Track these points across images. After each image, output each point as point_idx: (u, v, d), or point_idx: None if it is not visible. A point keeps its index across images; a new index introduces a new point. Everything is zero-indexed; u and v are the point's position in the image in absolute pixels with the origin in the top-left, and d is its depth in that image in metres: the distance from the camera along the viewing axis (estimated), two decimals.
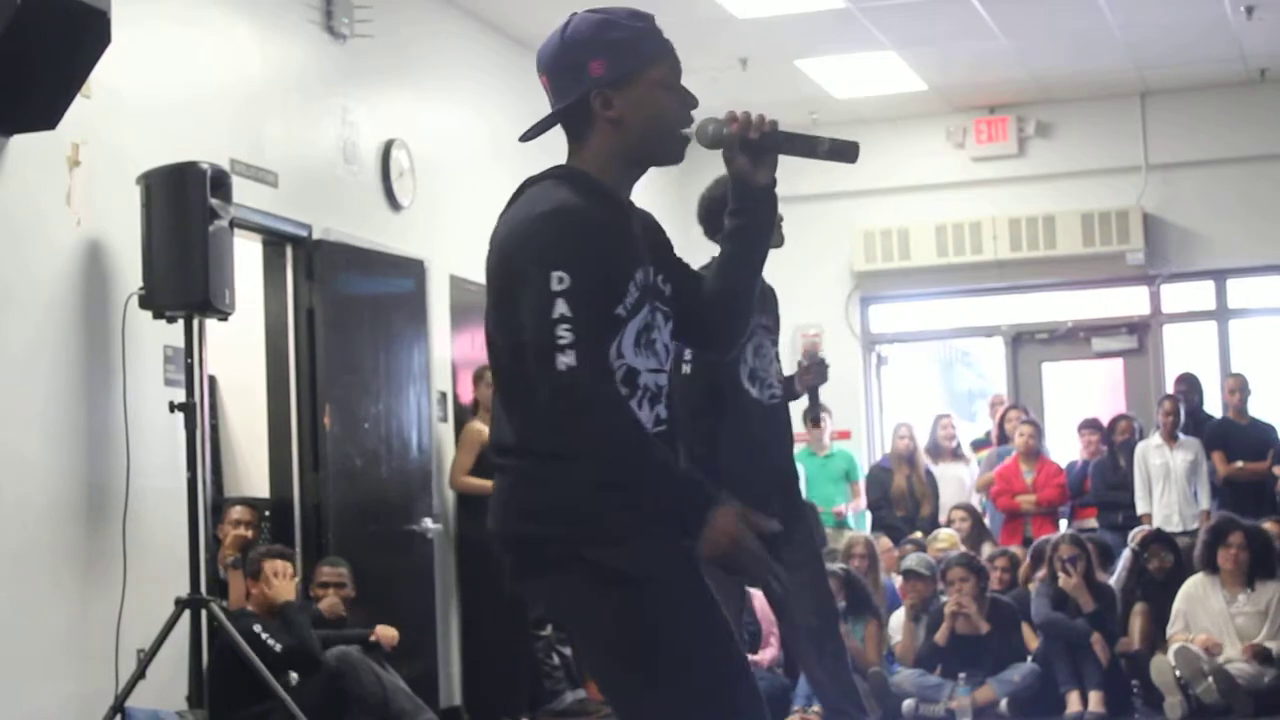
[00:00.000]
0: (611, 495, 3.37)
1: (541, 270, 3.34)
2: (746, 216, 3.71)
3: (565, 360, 3.29)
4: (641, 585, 3.38)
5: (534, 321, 3.33)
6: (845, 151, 3.65)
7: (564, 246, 3.37)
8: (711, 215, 7.22)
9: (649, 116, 3.58)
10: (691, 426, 6.61)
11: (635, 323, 3.48)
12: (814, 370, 7.25)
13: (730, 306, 3.78)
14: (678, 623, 3.40)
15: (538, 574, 3.51)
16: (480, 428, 10.38)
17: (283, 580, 8.28)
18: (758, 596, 11.22)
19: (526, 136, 3.79)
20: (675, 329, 3.65)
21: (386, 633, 8.42)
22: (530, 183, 3.62)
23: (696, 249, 5.59)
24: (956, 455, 13.90)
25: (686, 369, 6.74)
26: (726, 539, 3.30)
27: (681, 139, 3.64)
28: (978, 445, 14.36)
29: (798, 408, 7.72)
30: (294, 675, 8.14)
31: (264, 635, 8.03)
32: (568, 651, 10.84)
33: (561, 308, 3.31)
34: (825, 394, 14.19)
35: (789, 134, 3.63)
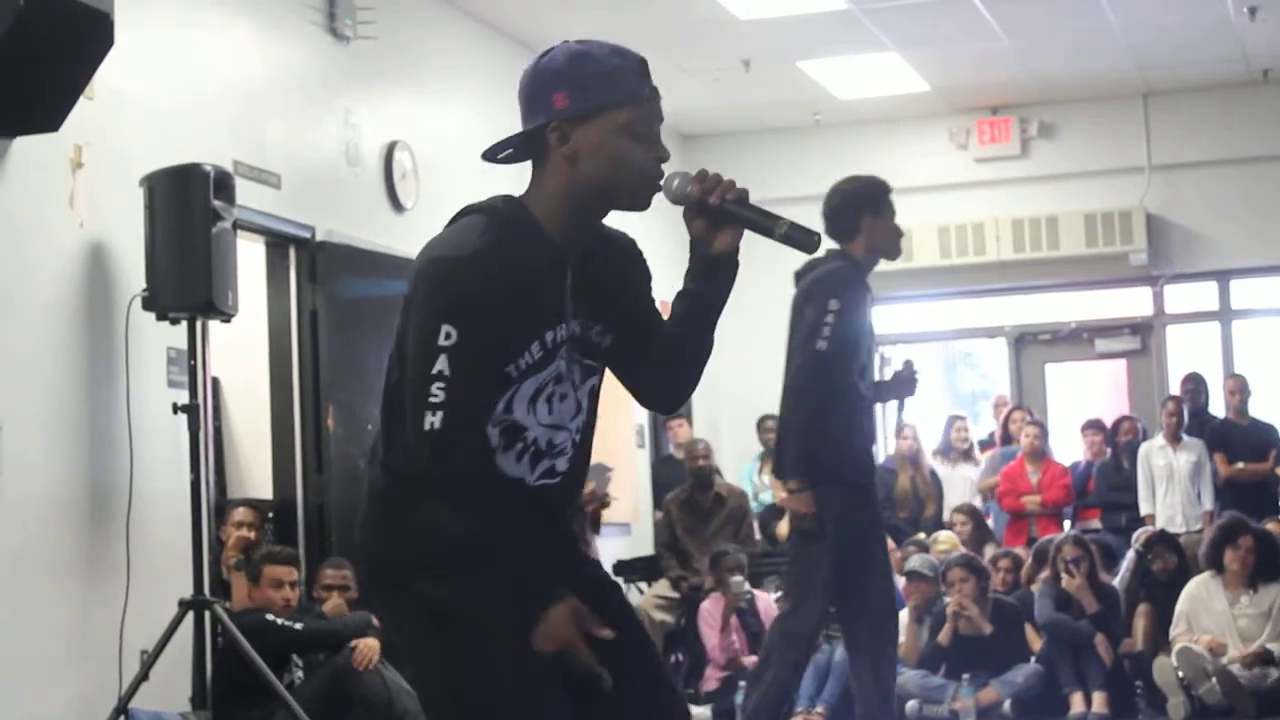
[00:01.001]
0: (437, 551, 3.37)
1: (433, 319, 3.27)
2: (700, 282, 3.60)
3: (431, 420, 3.25)
4: (464, 632, 3.35)
5: (414, 368, 3.29)
6: (803, 240, 3.47)
7: (461, 301, 3.27)
8: (831, 219, 7.13)
9: (605, 158, 3.43)
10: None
11: (533, 381, 3.39)
12: (907, 382, 7.22)
13: (673, 366, 3.68)
14: (489, 677, 3.36)
15: (378, 591, 3.53)
16: None
17: (282, 590, 8.27)
18: (762, 598, 11.22)
19: (487, 156, 3.64)
20: (623, 379, 3.63)
21: (368, 646, 8.36)
22: (466, 212, 3.52)
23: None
24: (968, 456, 13.90)
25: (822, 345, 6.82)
26: (555, 641, 3.30)
27: (645, 185, 3.49)
28: (982, 446, 14.36)
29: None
30: (299, 674, 8.15)
31: (281, 620, 8.06)
32: None
33: (441, 364, 3.25)
34: None
35: (749, 207, 3.50)
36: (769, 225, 3.48)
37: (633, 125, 3.44)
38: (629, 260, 3.66)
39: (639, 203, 3.51)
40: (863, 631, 7.06)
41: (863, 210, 7.12)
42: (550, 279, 3.42)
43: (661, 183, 3.52)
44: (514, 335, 3.35)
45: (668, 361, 3.64)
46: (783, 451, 7.15)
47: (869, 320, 7.18)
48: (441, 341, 3.25)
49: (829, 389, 6.91)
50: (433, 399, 3.25)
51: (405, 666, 3.64)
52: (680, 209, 3.57)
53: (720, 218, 3.52)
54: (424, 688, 3.54)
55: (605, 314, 3.53)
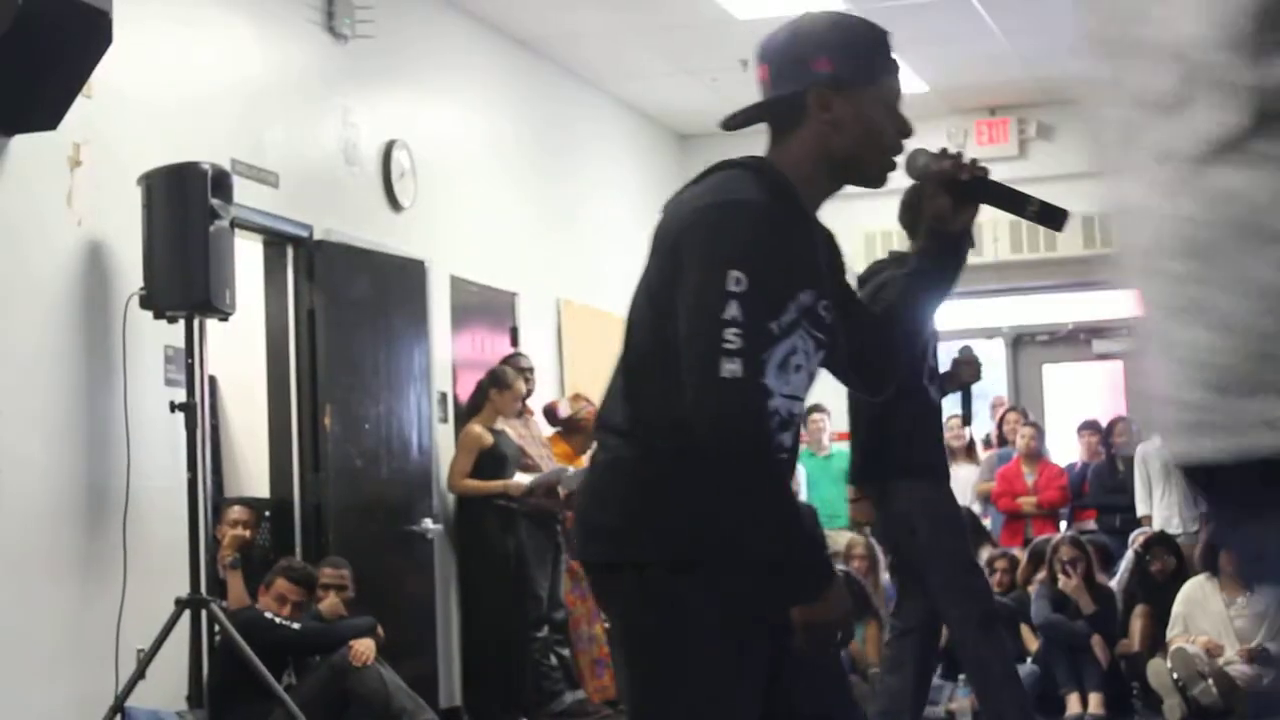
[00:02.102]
0: (715, 520, 3.25)
1: (720, 265, 3.18)
2: (932, 260, 3.59)
3: (730, 367, 3.13)
4: (696, 618, 3.28)
5: (702, 317, 3.18)
6: (1053, 217, 3.48)
7: (749, 247, 3.20)
8: (901, 217, 7.23)
9: (864, 130, 3.42)
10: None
11: (784, 345, 3.31)
12: (970, 368, 7.31)
13: (894, 347, 3.65)
14: (711, 670, 3.30)
15: (604, 569, 3.41)
16: (479, 431, 10.39)
17: (285, 607, 8.28)
18: None
19: (729, 125, 3.58)
20: (826, 361, 3.51)
21: (362, 646, 8.36)
22: (723, 166, 3.45)
23: None
24: (970, 455, 13.89)
25: None
26: (828, 620, 3.23)
27: (888, 163, 3.47)
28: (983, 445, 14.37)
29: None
30: (293, 678, 8.16)
31: (279, 619, 8.07)
32: (566, 653, 10.85)
33: (734, 310, 3.14)
34: (825, 396, 14.25)
35: (998, 184, 3.51)
36: (1021, 202, 3.49)
37: (888, 99, 3.45)
38: (833, 244, 3.63)
39: (879, 179, 3.50)
40: (965, 627, 7.21)
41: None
42: (805, 241, 3.40)
43: (900, 159, 3.51)
44: (782, 289, 3.29)
45: (884, 343, 3.61)
46: (880, 452, 7.25)
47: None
48: (732, 287, 3.15)
49: (901, 393, 7.03)
50: (728, 345, 3.13)
51: (617, 659, 3.45)
52: None
53: (970, 194, 3.53)
54: (632, 675, 3.41)
55: (829, 290, 3.48)
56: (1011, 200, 3.50)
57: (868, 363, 3.63)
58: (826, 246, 3.54)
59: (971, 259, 7.97)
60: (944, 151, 3.54)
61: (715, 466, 3.18)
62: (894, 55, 3.49)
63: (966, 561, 7.48)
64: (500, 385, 10.51)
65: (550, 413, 11.46)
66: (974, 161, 3.54)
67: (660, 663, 3.31)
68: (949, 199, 3.53)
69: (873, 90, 3.43)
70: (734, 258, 3.18)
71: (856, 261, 15.38)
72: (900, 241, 14.79)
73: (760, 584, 3.27)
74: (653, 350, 3.32)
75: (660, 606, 3.29)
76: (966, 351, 7.29)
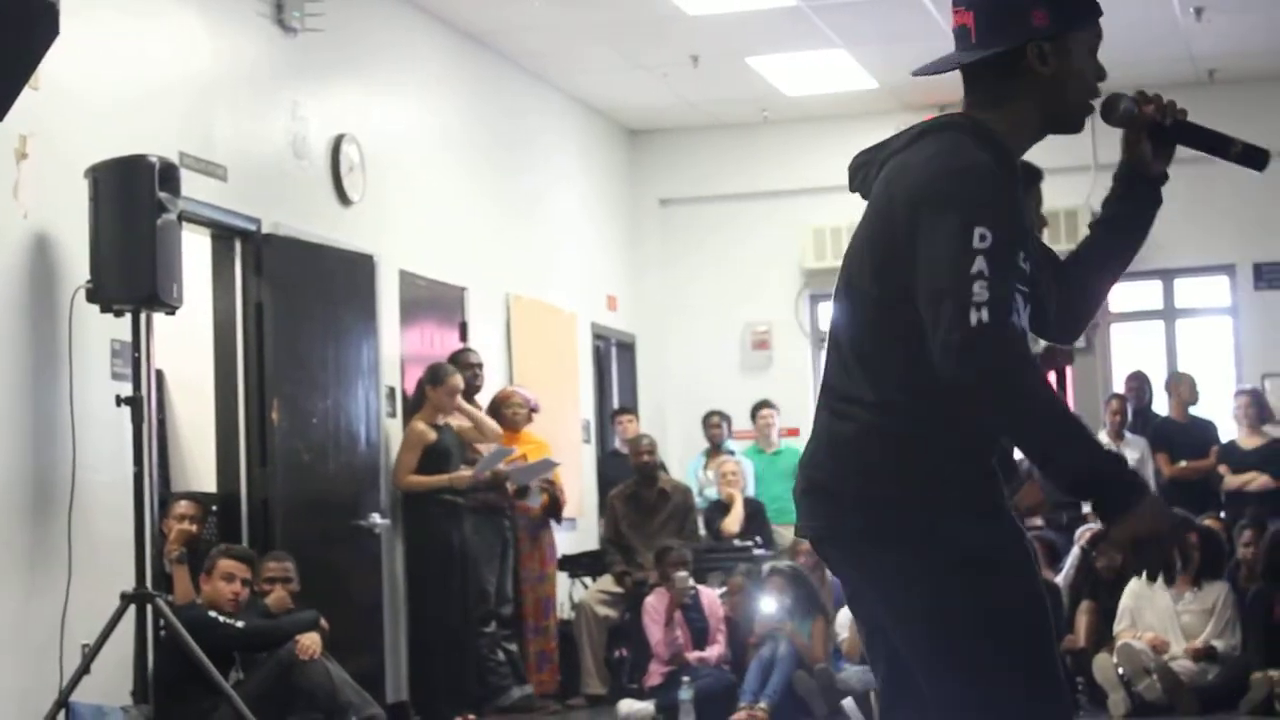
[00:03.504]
0: (976, 467, 3.28)
1: (964, 223, 3.16)
2: (1131, 205, 3.62)
3: (978, 315, 3.10)
4: (996, 568, 3.26)
5: (949, 273, 3.15)
6: (1256, 158, 3.52)
7: (987, 204, 3.19)
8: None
9: (1075, 79, 3.45)
10: None
11: (1026, 309, 3.30)
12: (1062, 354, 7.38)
13: (1089, 294, 3.67)
14: (1025, 612, 3.28)
15: (876, 540, 3.31)
16: (423, 428, 10.38)
17: (233, 584, 8.27)
18: (706, 593, 11.24)
19: (923, 71, 3.57)
20: (1032, 315, 3.45)
21: (309, 640, 8.35)
22: (931, 129, 3.41)
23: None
24: None
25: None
26: (1151, 530, 3.15)
27: (1088, 108, 3.50)
28: None
29: None
30: (240, 673, 8.13)
31: (223, 618, 8.06)
32: (513, 648, 10.84)
33: (980, 264, 3.12)
34: (775, 392, 14.27)
35: (1200, 127, 3.54)
36: (1225, 143, 3.54)
37: (1093, 44, 3.49)
38: (1035, 195, 3.67)
39: (1080, 125, 3.54)
40: None
41: None
42: (1020, 201, 3.38)
43: (1099, 104, 3.54)
44: (1017, 245, 3.26)
45: (1080, 290, 3.63)
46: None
47: None
48: (977, 244, 3.14)
49: None
50: (977, 297, 3.11)
51: (903, 629, 3.37)
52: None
53: (1174, 137, 3.56)
54: (940, 639, 3.31)
55: (1035, 244, 3.50)
56: (1216, 142, 3.55)
57: (1067, 311, 3.65)
58: (1034, 209, 3.57)
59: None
60: (1143, 95, 3.57)
61: (997, 412, 3.18)
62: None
63: None
64: (435, 381, 10.50)
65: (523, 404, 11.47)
66: (1173, 104, 3.58)
67: (980, 624, 3.26)
68: (1150, 143, 3.59)
69: (1083, 36, 3.47)
70: (977, 216, 3.17)
71: (805, 257, 15.45)
72: (849, 238, 14.82)
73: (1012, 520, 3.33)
74: (881, 317, 3.31)
75: (963, 567, 3.26)
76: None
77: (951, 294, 3.14)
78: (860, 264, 3.36)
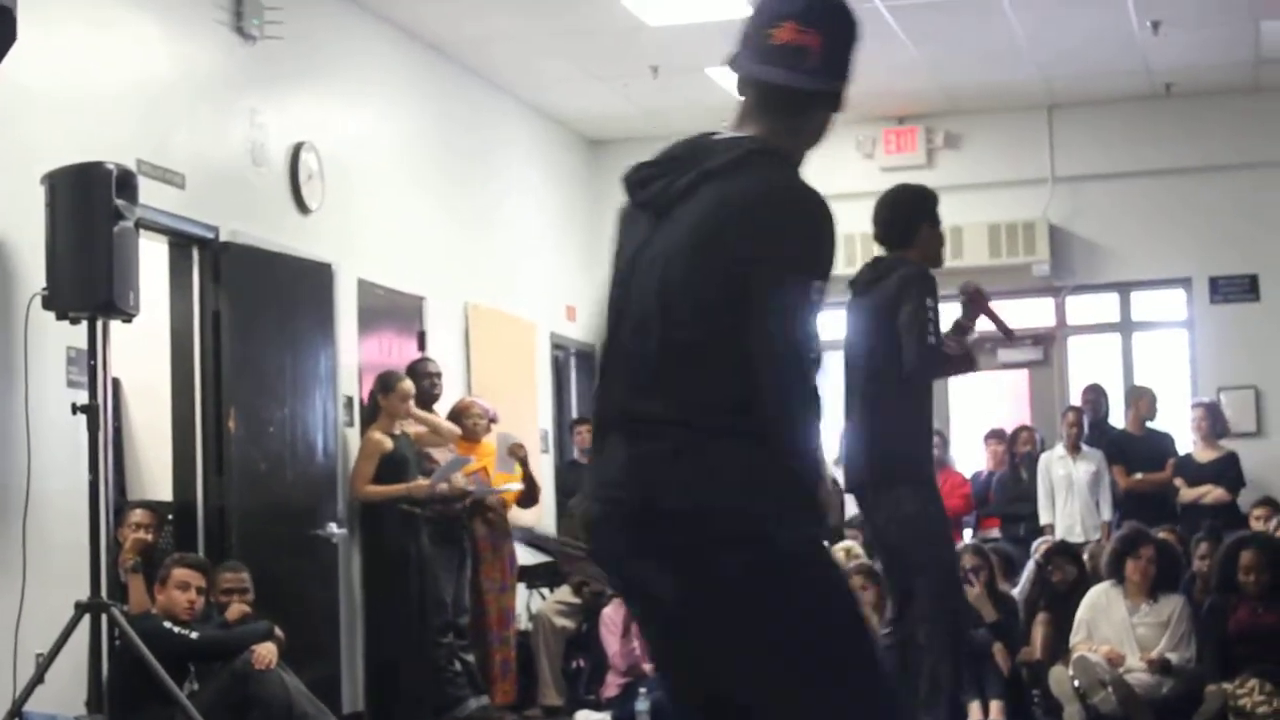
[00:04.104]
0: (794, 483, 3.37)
1: (807, 272, 3.28)
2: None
3: (814, 375, 3.30)
4: (824, 570, 3.42)
5: (791, 326, 3.28)
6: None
7: (825, 256, 3.33)
8: (890, 223, 7.42)
9: (829, 123, 3.58)
10: None
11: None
12: (977, 295, 7.49)
13: None
14: (847, 608, 3.43)
15: (693, 552, 3.34)
16: (379, 437, 10.35)
17: (187, 593, 8.25)
18: None
19: (732, 64, 3.64)
20: None
21: (264, 650, 8.33)
22: (755, 155, 3.44)
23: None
24: None
25: None
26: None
27: None
28: None
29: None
30: (195, 684, 8.10)
31: (177, 629, 8.03)
32: (470, 658, 10.82)
33: (814, 323, 3.28)
34: None
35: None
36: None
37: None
38: None
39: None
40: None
41: (921, 219, 7.45)
42: None
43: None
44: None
45: None
46: (888, 457, 7.31)
47: None
48: (814, 295, 3.29)
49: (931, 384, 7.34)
50: (815, 355, 3.30)
51: (723, 632, 3.36)
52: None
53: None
54: (777, 636, 3.35)
55: None
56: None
57: None
58: None
59: None
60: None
61: (788, 459, 3.32)
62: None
63: (956, 573, 7.66)
64: (386, 389, 10.48)
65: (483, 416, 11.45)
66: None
67: (805, 624, 3.34)
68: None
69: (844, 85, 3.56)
70: (817, 267, 3.31)
71: None
72: None
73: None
74: (704, 337, 3.34)
75: (796, 568, 3.35)
76: (968, 287, 7.50)
77: (794, 351, 3.26)
78: (691, 280, 3.36)
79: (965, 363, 7.56)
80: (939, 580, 7.28)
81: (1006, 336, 7.63)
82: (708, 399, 3.33)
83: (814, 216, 3.32)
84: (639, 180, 3.60)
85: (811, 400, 3.31)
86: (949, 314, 7.36)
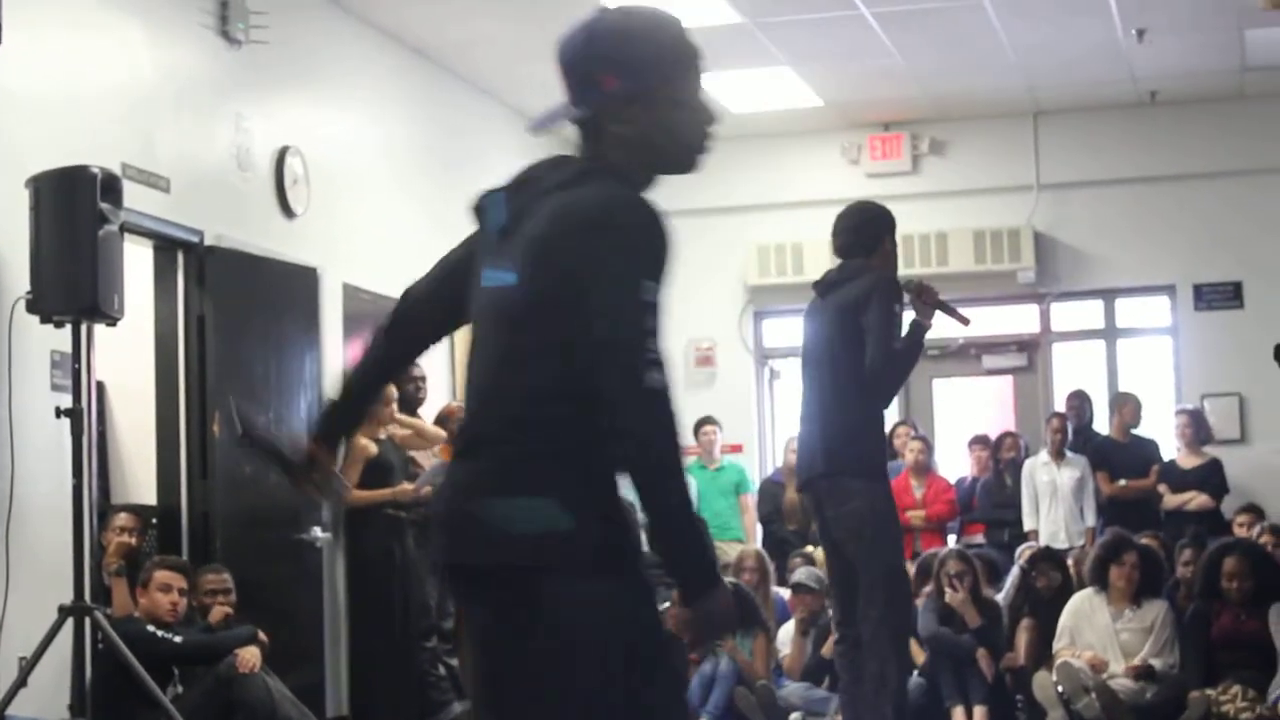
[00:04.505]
0: (624, 523, 3.38)
1: (636, 275, 3.25)
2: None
3: (656, 377, 3.22)
4: (629, 615, 3.36)
5: (623, 327, 3.24)
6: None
7: (658, 259, 3.30)
8: (858, 232, 7.58)
9: (665, 131, 3.51)
10: None
11: None
12: (927, 292, 7.55)
13: None
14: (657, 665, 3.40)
15: (519, 572, 3.35)
16: (364, 442, 10.33)
17: (170, 595, 8.25)
18: None
19: (535, 129, 3.69)
20: None
21: (248, 654, 8.33)
22: (593, 171, 3.47)
23: None
24: None
25: None
26: (716, 625, 3.33)
27: (695, 154, 3.58)
28: None
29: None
30: (179, 688, 8.10)
31: (161, 633, 8.03)
32: (454, 662, 10.81)
33: (651, 322, 3.24)
34: (717, 409, 14.28)
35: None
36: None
37: (689, 95, 3.54)
38: None
39: (692, 168, 3.60)
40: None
41: (885, 231, 7.64)
42: None
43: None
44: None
45: None
46: (839, 450, 7.36)
47: None
48: (647, 297, 3.24)
49: (890, 387, 7.47)
50: (650, 355, 3.22)
51: (562, 666, 3.35)
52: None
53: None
54: (582, 677, 3.34)
55: None
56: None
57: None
58: None
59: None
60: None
61: (647, 474, 3.27)
62: (681, 47, 3.56)
63: (901, 568, 7.64)
64: None
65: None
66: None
67: (604, 663, 3.32)
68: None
69: (661, 93, 3.50)
70: (648, 270, 3.27)
71: (749, 274, 15.48)
72: (793, 255, 14.82)
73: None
74: (535, 351, 3.36)
75: (595, 608, 3.32)
76: (910, 284, 7.61)
77: (627, 351, 3.23)
78: (529, 297, 3.39)
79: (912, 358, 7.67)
80: (885, 581, 7.32)
81: (963, 323, 7.76)
82: (535, 414, 3.36)
83: (644, 222, 3.32)
84: (481, 205, 3.66)
85: (671, 429, 3.27)
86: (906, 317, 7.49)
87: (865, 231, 7.60)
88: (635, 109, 3.48)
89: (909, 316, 7.50)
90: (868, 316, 7.26)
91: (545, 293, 3.36)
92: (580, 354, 3.29)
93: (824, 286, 7.61)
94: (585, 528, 3.33)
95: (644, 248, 3.30)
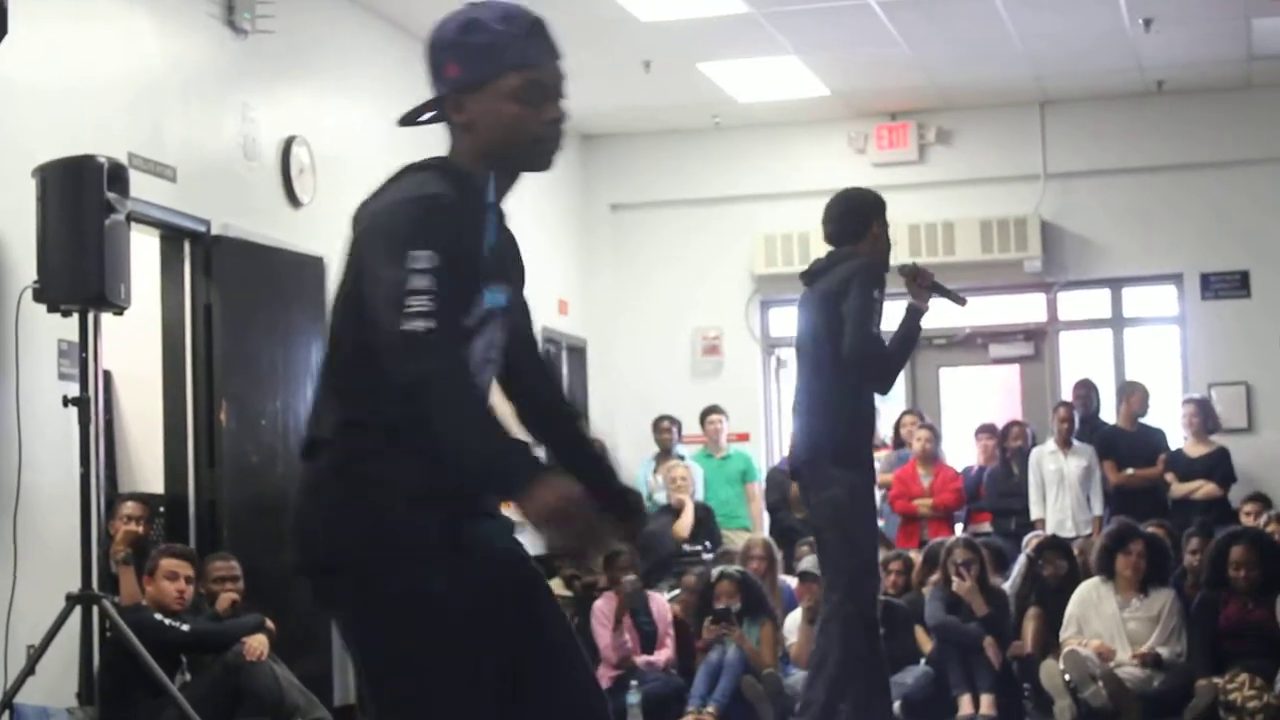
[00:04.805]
0: (439, 497, 3.35)
1: (404, 247, 3.28)
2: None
3: (415, 324, 3.23)
4: (439, 609, 3.36)
5: (390, 291, 3.27)
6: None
7: (431, 230, 3.32)
8: (844, 220, 7.62)
9: (497, 124, 3.52)
10: None
11: (481, 342, 3.46)
12: (922, 275, 7.68)
13: (539, 388, 3.82)
14: (459, 655, 3.39)
15: (315, 571, 3.51)
16: None
17: (176, 583, 8.26)
18: (655, 598, 11.24)
19: (405, 121, 3.74)
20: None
21: (256, 642, 8.35)
22: (411, 169, 3.57)
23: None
24: None
25: None
26: (560, 516, 3.21)
27: (539, 150, 3.58)
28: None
29: None
30: (187, 675, 8.11)
31: (168, 621, 8.04)
32: None
33: (421, 282, 3.25)
34: (724, 398, 14.29)
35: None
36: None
37: (520, 91, 3.52)
38: (517, 250, 3.74)
39: (537, 165, 3.60)
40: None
41: (873, 217, 7.68)
42: (484, 237, 3.51)
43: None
44: (469, 280, 3.39)
45: (532, 380, 3.77)
46: (821, 438, 7.39)
47: None
48: (420, 265, 3.26)
49: (882, 371, 7.51)
50: (416, 306, 3.23)
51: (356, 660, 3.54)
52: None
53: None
54: (381, 673, 3.45)
55: (515, 294, 3.64)
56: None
57: (514, 383, 3.74)
58: (512, 249, 3.69)
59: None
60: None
61: (429, 416, 3.26)
62: (536, 40, 3.58)
63: (871, 561, 7.59)
64: None
65: None
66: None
67: (416, 654, 3.38)
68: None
69: (500, 85, 3.52)
70: (419, 240, 3.29)
71: (756, 263, 15.50)
72: (799, 245, 14.81)
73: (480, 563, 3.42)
74: (355, 355, 3.42)
75: (407, 605, 3.37)
76: (906, 268, 7.65)
77: (391, 308, 3.25)
78: (338, 313, 3.52)
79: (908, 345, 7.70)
80: (851, 569, 7.32)
81: (959, 304, 7.79)
82: (342, 417, 3.44)
83: (406, 200, 3.40)
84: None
85: (417, 342, 3.25)
86: (896, 308, 7.49)
87: (851, 219, 7.64)
88: (472, 99, 3.53)
89: (905, 303, 7.54)
90: (847, 303, 7.33)
91: (344, 297, 3.48)
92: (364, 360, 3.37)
93: (810, 275, 7.65)
94: (385, 525, 3.38)
95: (404, 222, 3.35)
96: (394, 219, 3.37)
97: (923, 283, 7.56)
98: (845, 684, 7.37)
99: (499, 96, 3.50)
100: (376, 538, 3.36)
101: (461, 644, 3.38)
